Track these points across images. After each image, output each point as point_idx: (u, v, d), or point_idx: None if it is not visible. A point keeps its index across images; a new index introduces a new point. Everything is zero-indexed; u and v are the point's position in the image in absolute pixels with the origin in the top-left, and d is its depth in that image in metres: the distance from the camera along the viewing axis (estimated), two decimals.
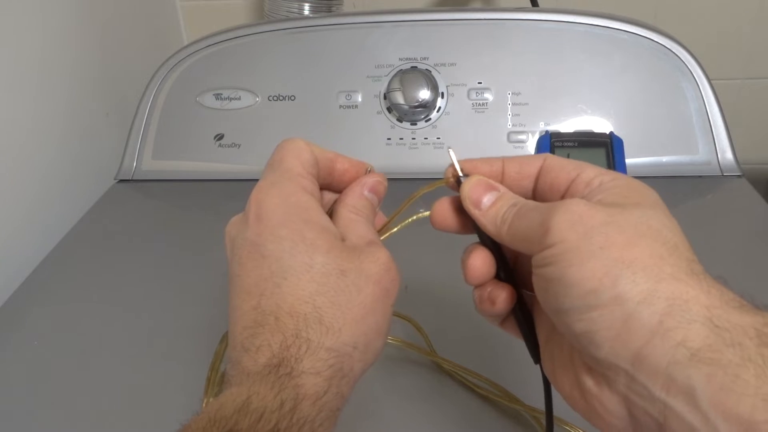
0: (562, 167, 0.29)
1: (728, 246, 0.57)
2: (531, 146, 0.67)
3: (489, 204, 0.29)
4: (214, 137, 0.71)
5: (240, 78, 0.71)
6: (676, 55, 0.67)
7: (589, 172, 0.28)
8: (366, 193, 0.33)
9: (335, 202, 0.33)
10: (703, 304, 0.23)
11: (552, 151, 0.56)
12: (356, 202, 0.32)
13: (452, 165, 0.31)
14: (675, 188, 0.66)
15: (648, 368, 0.23)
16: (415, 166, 0.67)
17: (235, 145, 0.71)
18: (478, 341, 0.47)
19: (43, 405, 0.44)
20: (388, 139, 0.69)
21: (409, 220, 0.35)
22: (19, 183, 0.63)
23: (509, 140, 0.68)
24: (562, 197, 0.29)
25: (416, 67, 0.69)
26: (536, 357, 0.30)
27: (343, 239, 0.30)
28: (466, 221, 0.31)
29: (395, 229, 0.35)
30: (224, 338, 0.36)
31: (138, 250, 0.62)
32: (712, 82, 0.67)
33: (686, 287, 0.23)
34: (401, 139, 0.69)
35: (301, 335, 0.27)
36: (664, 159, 0.67)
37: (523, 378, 0.42)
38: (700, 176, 0.67)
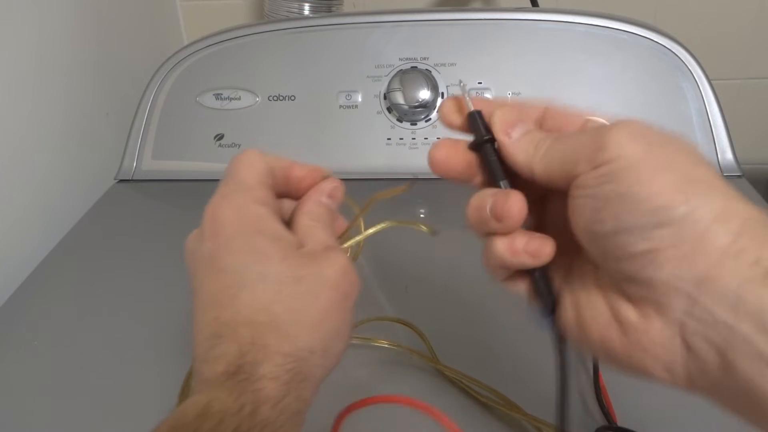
0: (566, 115, 0.29)
1: None
2: None
3: (520, 135, 0.28)
4: (214, 137, 0.71)
5: (240, 78, 0.71)
6: (676, 55, 0.67)
7: (598, 118, 0.27)
8: (324, 199, 0.33)
9: (294, 209, 0.34)
10: None
11: None
12: (314, 208, 0.33)
13: (456, 98, 0.30)
14: None
15: (715, 289, 0.22)
16: (415, 166, 0.67)
17: (235, 145, 0.71)
18: (478, 343, 0.47)
19: (43, 405, 0.44)
20: (388, 139, 0.69)
21: (373, 229, 0.34)
22: (18, 183, 0.63)
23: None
24: None
25: (416, 67, 0.69)
26: (551, 309, 0.28)
27: (301, 246, 0.30)
28: (471, 162, 0.30)
29: (359, 238, 0.34)
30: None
31: (138, 250, 0.62)
32: (712, 82, 0.67)
33: (755, 210, 0.23)
34: (401, 139, 0.69)
35: (257, 342, 0.27)
36: None
37: (524, 385, 0.42)
38: None
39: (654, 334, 0.23)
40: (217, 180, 0.76)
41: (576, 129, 0.28)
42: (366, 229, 0.34)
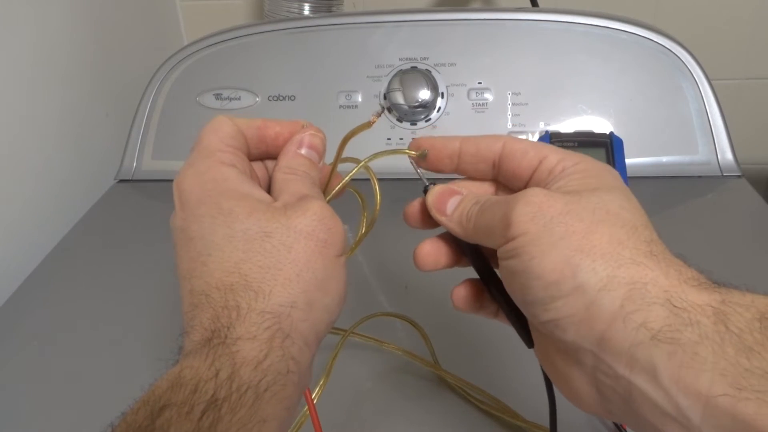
0: (524, 154, 0.30)
1: (728, 246, 0.57)
2: None
3: (453, 208, 0.30)
4: None
5: (240, 78, 0.71)
6: (676, 55, 0.67)
7: (552, 159, 0.29)
8: (302, 150, 0.32)
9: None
10: (662, 286, 0.23)
11: None
12: (290, 161, 0.32)
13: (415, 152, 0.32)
14: (675, 188, 0.66)
15: (612, 349, 0.23)
16: None
17: None
18: (477, 343, 0.47)
19: (43, 405, 0.44)
20: (388, 139, 0.69)
21: (355, 170, 0.33)
22: (19, 183, 0.63)
23: None
24: (526, 186, 0.29)
25: (416, 67, 0.69)
26: (529, 342, 0.30)
27: (275, 202, 0.30)
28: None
29: (342, 182, 0.33)
30: None
31: (138, 250, 0.62)
32: (712, 82, 0.67)
33: (645, 270, 0.24)
34: (401, 139, 0.69)
35: (229, 304, 0.26)
36: (664, 159, 0.67)
37: (524, 391, 0.42)
38: (699, 176, 0.67)
39: (575, 382, 0.26)
40: None
41: (531, 170, 0.29)
42: (362, 176, 0.33)
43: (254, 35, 0.72)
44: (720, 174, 0.66)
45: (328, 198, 0.32)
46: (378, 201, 0.33)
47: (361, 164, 0.33)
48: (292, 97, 0.71)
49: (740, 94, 0.96)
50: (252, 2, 0.99)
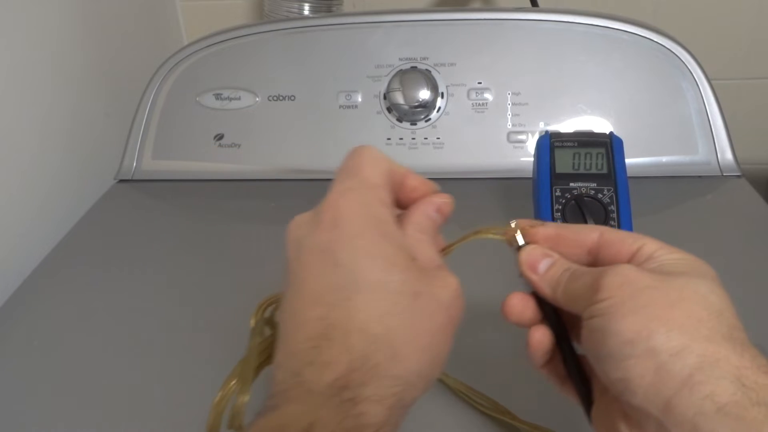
0: (623, 240, 0.30)
1: (728, 246, 0.57)
2: (531, 146, 0.67)
3: (545, 269, 0.31)
4: (214, 137, 0.71)
5: (240, 78, 0.71)
6: (676, 55, 0.67)
7: (651, 246, 0.29)
8: (434, 213, 0.32)
9: (400, 218, 0.32)
10: (734, 364, 0.24)
11: (551, 151, 0.56)
12: (423, 221, 0.31)
13: (512, 228, 0.33)
14: (675, 188, 0.66)
15: (676, 417, 0.24)
16: (415, 166, 0.67)
17: (235, 145, 0.71)
18: (477, 348, 0.47)
19: (43, 405, 0.44)
20: (388, 139, 0.69)
21: (467, 238, 0.33)
22: (18, 183, 0.63)
23: (509, 140, 0.68)
24: None
25: (416, 67, 0.69)
26: (588, 405, 0.31)
27: (414, 259, 0.29)
28: (531, 306, 0.32)
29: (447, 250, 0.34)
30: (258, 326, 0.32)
31: (138, 250, 0.62)
32: (712, 82, 0.67)
33: (719, 348, 0.24)
34: (401, 139, 0.69)
35: (369, 358, 0.25)
36: (664, 159, 0.67)
37: (523, 394, 0.42)
38: (699, 176, 0.67)
39: None
40: (217, 180, 0.76)
41: (630, 255, 0.30)
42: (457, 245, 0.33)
43: (254, 35, 0.72)
44: (720, 174, 0.66)
45: None
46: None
47: (460, 240, 0.33)
48: (292, 97, 0.71)
49: (740, 94, 0.96)
50: (252, 2, 0.99)
